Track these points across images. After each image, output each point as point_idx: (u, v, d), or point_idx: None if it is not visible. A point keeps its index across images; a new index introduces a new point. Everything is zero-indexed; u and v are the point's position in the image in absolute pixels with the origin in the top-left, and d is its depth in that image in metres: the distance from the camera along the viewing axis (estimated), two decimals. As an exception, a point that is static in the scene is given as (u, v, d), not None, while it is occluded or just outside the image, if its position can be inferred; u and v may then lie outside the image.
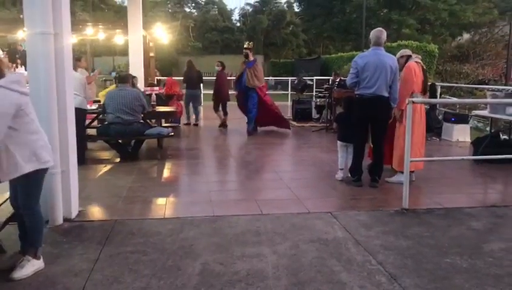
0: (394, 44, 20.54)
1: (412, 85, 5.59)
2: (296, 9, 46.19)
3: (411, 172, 5.50)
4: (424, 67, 5.97)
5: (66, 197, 4.24)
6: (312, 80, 16.51)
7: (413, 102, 4.70)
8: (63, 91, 4.10)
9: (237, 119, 11.21)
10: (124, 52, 13.36)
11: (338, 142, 5.98)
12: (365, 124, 5.58)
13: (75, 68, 8.44)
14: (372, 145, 5.79)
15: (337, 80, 11.43)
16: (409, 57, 5.80)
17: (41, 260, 3.23)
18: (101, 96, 8.25)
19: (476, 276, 3.17)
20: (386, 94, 5.45)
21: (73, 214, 4.34)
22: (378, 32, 5.55)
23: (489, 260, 3.44)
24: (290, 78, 18.86)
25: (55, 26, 3.97)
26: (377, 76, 5.37)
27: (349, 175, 5.75)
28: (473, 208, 4.75)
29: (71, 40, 4.45)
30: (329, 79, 14.89)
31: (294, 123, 11.91)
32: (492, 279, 3.12)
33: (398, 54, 5.92)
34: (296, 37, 44.37)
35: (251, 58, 10.25)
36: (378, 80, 5.37)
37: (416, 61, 5.77)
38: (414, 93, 5.58)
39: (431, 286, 3.01)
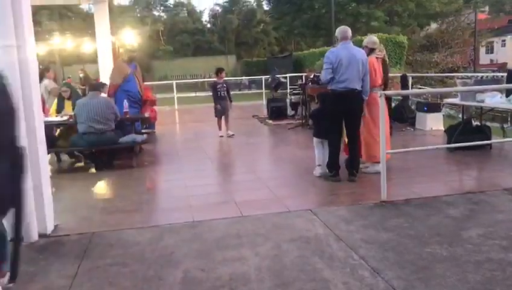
0: (364, 37, 20.73)
1: (371, 80, 5.77)
2: (266, 8, 46.29)
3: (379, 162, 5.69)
4: (386, 61, 6.10)
5: (40, 213, 4.12)
6: (285, 77, 16.56)
7: (385, 95, 4.74)
8: (29, 103, 3.98)
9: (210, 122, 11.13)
10: (94, 59, 13.18)
11: (314, 138, 5.98)
12: (339, 118, 5.60)
13: (41, 78, 8.36)
14: (346, 140, 5.82)
15: (311, 76, 11.46)
16: (372, 50, 5.92)
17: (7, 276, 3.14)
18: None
19: (456, 264, 3.20)
20: (358, 87, 5.50)
21: (49, 229, 4.23)
22: (344, 28, 5.67)
23: (468, 247, 3.48)
24: (263, 76, 18.91)
25: (18, 39, 3.85)
26: (349, 70, 5.42)
27: (327, 171, 5.77)
28: (449, 196, 4.81)
29: (35, 51, 4.34)
30: (302, 75, 14.96)
31: (270, 122, 11.92)
32: (472, 266, 3.16)
33: (365, 42, 6.08)
34: (267, 36, 44.50)
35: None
36: (350, 73, 5.42)
37: (376, 56, 5.89)
38: (374, 87, 5.81)
39: (413, 277, 3.03)
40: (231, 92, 10.20)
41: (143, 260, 3.50)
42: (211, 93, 10.07)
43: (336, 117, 5.61)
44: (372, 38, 6.21)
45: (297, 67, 25.99)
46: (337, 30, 5.72)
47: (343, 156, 5.88)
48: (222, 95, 9.76)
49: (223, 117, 9.84)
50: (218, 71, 10.07)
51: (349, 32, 5.64)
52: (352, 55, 5.46)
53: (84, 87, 11.54)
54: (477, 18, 29.82)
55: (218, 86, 9.79)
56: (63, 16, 36.18)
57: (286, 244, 3.70)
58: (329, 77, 5.48)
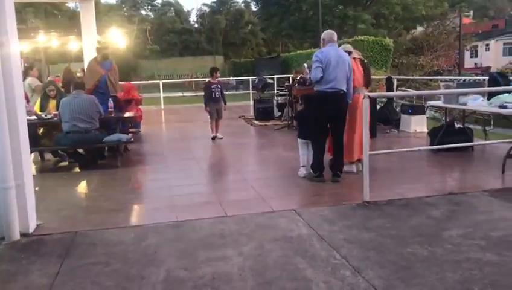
0: (351, 39, 20.86)
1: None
2: (254, 9, 46.38)
3: (358, 161, 5.92)
4: (365, 61, 6.19)
5: (23, 212, 4.08)
6: (272, 78, 16.61)
7: (369, 96, 4.79)
8: (12, 101, 3.95)
9: (197, 122, 11.13)
10: (80, 58, 13.07)
11: (298, 139, 6.02)
12: (325, 120, 5.64)
13: (25, 76, 8.27)
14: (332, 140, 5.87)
15: (298, 77, 11.48)
16: (349, 53, 6.02)
17: None
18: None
19: (436, 263, 3.25)
20: (344, 88, 5.57)
21: (31, 228, 4.19)
22: (330, 32, 5.79)
23: (448, 247, 3.53)
24: (250, 77, 18.95)
25: (1, 36, 3.82)
26: (337, 70, 5.48)
27: (311, 172, 5.80)
28: (431, 197, 4.88)
29: (19, 49, 4.30)
30: (289, 77, 15.01)
31: (256, 122, 11.95)
32: (451, 265, 3.21)
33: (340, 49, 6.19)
34: (255, 36, 44.59)
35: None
36: (338, 73, 5.49)
37: (354, 57, 5.97)
38: (356, 87, 5.86)
39: (393, 277, 3.07)
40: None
41: (126, 260, 3.50)
42: (203, 94, 9.64)
43: (321, 119, 5.65)
44: (346, 47, 6.29)
45: (285, 69, 26.08)
46: (324, 33, 5.81)
47: (327, 157, 5.93)
48: (216, 96, 9.33)
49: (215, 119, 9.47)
50: (213, 71, 9.61)
51: (335, 36, 5.74)
52: (339, 56, 5.56)
53: (62, 84, 11.32)
54: (462, 22, 30.18)
55: (213, 87, 9.34)
56: (48, 13, 35.82)
57: (269, 244, 3.72)
58: (320, 76, 5.48)
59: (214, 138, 9.35)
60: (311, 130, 5.75)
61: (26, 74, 8.53)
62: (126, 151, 7.89)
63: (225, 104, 9.63)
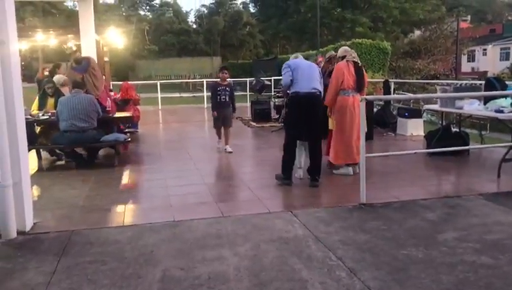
0: (348, 42, 20.93)
1: (335, 84, 5.91)
2: (252, 10, 46.49)
3: (355, 164, 5.90)
4: (359, 64, 6.06)
5: (19, 210, 4.09)
6: (270, 80, 16.64)
7: (366, 99, 4.82)
8: (11, 100, 3.96)
9: (194, 122, 11.13)
10: (78, 57, 13.04)
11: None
12: (300, 121, 5.58)
13: (53, 75, 8.46)
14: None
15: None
16: (343, 57, 6.09)
17: None
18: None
19: (431, 266, 3.27)
20: (319, 88, 5.63)
21: (28, 226, 4.20)
22: (293, 56, 6.13)
23: (443, 250, 3.56)
24: (248, 79, 18.97)
25: (1, 34, 3.83)
26: (309, 72, 5.63)
27: (281, 173, 5.72)
28: (427, 199, 4.90)
29: (18, 47, 4.31)
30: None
31: (253, 124, 11.97)
32: (446, 268, 3.24)
33: (339, 52, 6.38)
34: (252, 38, 44.66)
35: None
36: (310, 75, 5.61)
37: (347, 60, 5.94)
38: (345, 90, 5.88)
39: (388, 278, 3.09)
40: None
41: (122, 258, 3.51)
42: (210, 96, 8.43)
43: (296, 120, 5.64)
44: (342, 48, 6.44)
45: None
46: (291, 57, 6.10)
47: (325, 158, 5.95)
48: (223, 100, 7.94)
49: (222, 128, 8.16)
50: (220, 70, 8.38)
51: (299, 54, 6.19)
52: (308, 63, 5.85)
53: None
54: (459, 26, 30.32)
55: (219, 89, 7.97)
56: (46, 12, 35.77)
57: (265, 244, 3.73)
58: (290, 79, 5.58)
59: (221, 150, 8.17)
60: (286, 132, 5.84)
61: (53, 72, 9.00)
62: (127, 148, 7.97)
63: (234, 111, 8.18)
